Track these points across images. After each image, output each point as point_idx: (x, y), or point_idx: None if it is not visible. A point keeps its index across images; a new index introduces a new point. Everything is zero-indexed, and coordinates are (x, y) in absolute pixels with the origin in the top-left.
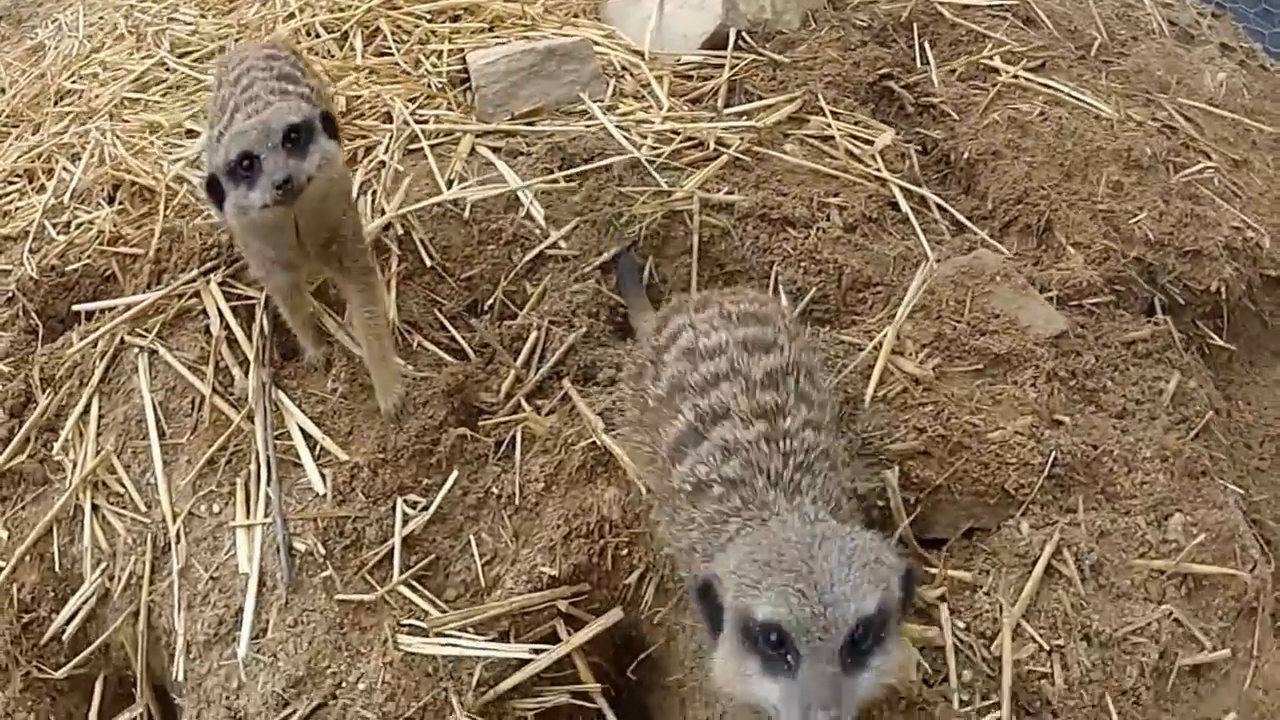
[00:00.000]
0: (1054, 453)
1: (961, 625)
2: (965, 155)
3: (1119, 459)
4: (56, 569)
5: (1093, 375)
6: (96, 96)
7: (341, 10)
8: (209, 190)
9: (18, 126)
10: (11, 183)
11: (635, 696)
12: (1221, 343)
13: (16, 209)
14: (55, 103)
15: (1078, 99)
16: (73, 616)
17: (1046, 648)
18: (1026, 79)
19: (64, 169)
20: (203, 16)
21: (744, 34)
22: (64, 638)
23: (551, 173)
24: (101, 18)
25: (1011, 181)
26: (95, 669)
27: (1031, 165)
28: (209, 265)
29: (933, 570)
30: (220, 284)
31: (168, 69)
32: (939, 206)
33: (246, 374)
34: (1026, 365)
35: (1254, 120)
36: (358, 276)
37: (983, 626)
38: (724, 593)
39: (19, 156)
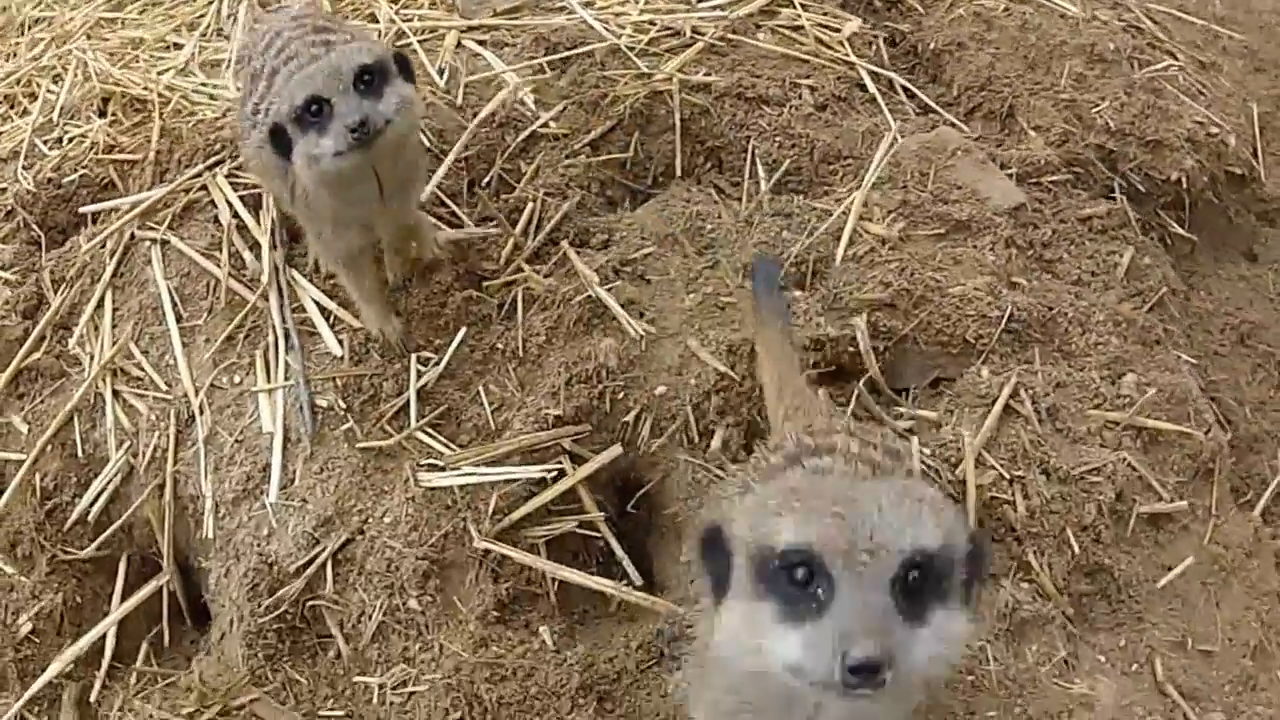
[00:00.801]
0: (1010, 308)
1: (927, 452)
2: (931, 46)
3: (1074, 320)
4: (79, 455)
5: (1049, 246)
6: (70, 20)
7: None
8: (273, 141)
9: None
10: None
11: (635, 533)
12: (1183, 232)
13: (1, 132)
14: (23, 31)
15: None
16: (97, 497)
17: (1007, 477)
18: None
19: (48, 90)
20: None
21: None
22: (89, 519)
23: (536, 60)
24: None
25: (975, 70)
26: (119, 549)
27: (995, 56)
28: (213, 160)
29: (902, 411)
30: (227, 176)
31: None
32: (904, 89)
33: (258, 257)
34: (985, 232)
35: (1224, 27)
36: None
37: (947, 454)
38: (735, 539)
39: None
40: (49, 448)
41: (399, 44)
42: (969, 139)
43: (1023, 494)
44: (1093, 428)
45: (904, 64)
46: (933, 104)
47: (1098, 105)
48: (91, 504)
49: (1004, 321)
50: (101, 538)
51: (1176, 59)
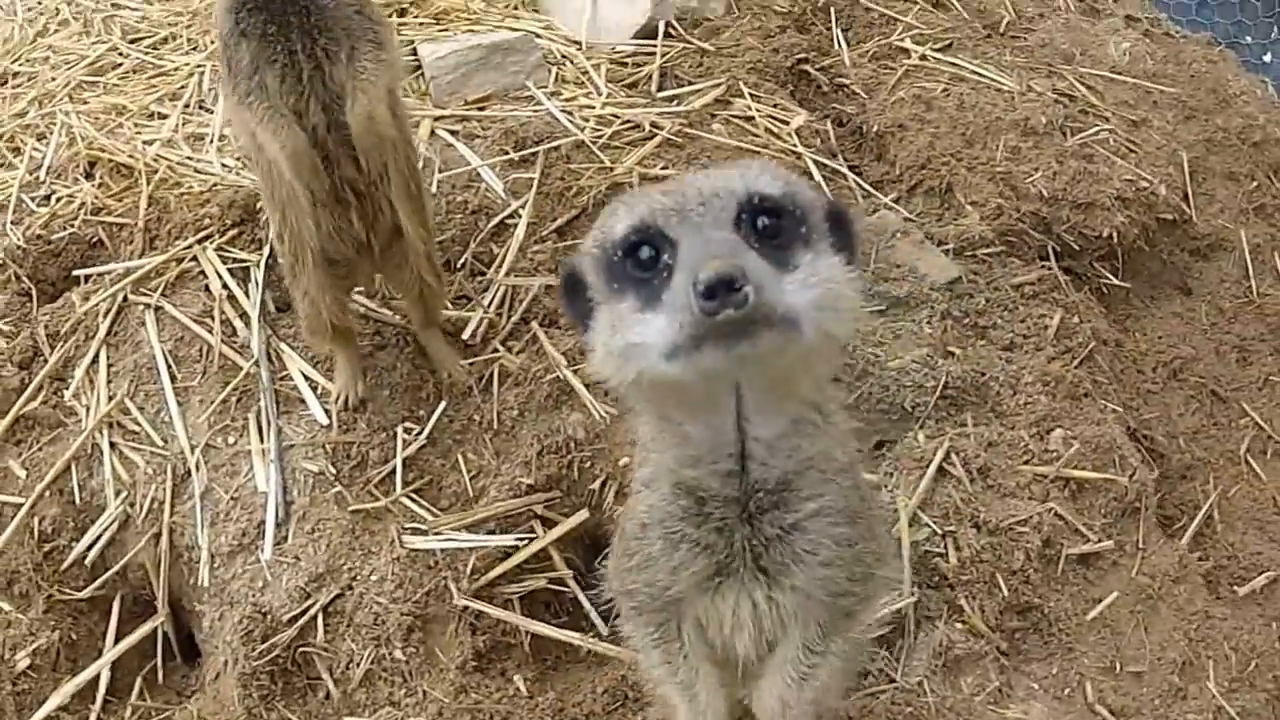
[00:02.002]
0: (944, 376)
1: None
2: (874, 129)
3: (1005, 383)
4: (76, 501)
5: (983, 314)
6: (52, 79)
7: None
8: None
9: None
10: None
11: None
12: (1118, 282)
13: None
14: (1, 84)
15: (980, 75)
16: (94, 542)
17: (940, 532)
18: (934, 58)
19: (33, 149)
20: (148, 3)
21: (672, 22)
22: (86, 562)
23: (507, 153)
24: (40, 2)
25: (916, 150)
26: (113, 589)
27: (935, 136)
28: (203, 234)
29: None
30: (216, 250)
31: (121, 54)
32: (849, 174)
33: (248, 326)
34: (923, 306)
35: (1155, 83)
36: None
37: (885, 515)
38: (585, 260)
39: None
40: (47, 493)
41: None
42: (908, 220)
43: (954, 546)
44: (1022, 482)
45: (851, 144)
46: (872, 190)
47: (1031, 175)
48: (89, 548)
49: (939, 389)
50: (99, 581)
51: (1108, 122)
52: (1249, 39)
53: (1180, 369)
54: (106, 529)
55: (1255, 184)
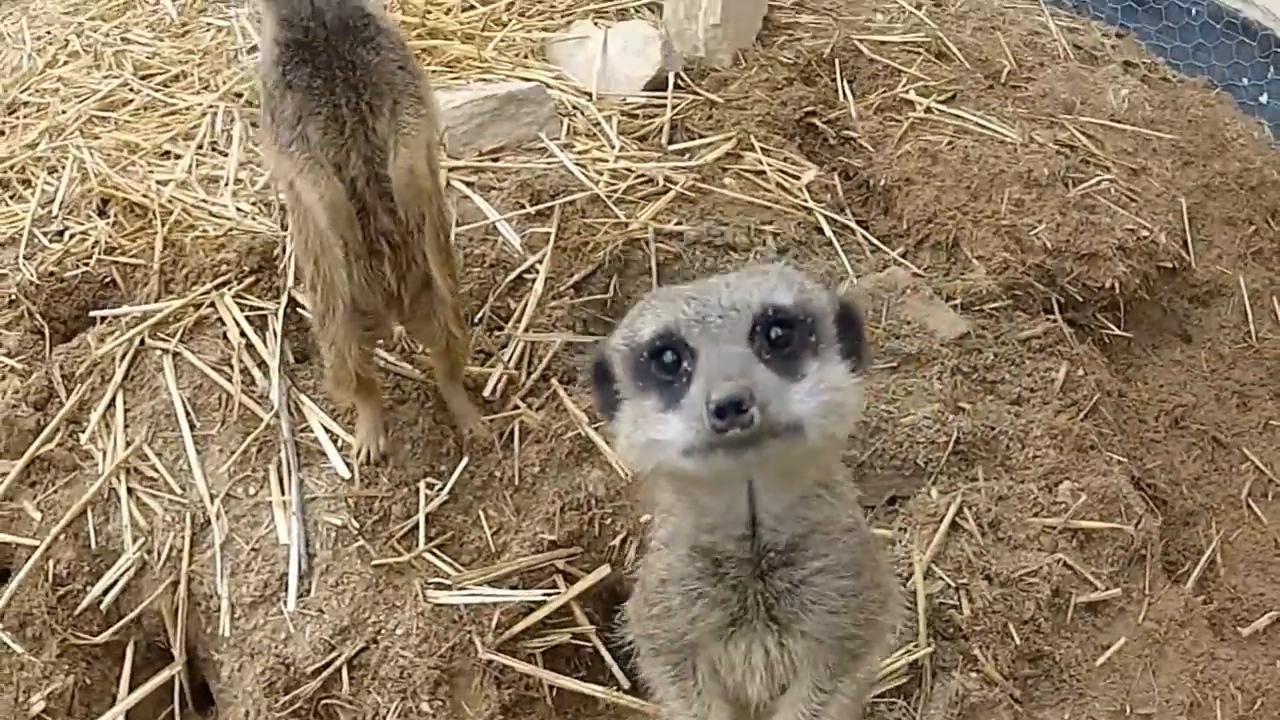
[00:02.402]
0: (955, 432)
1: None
2: (881, 183)
3: (1014, 437)
4: (91, 546)
5: (992, 369)
6: (62, 112)
7: None
8: None
9: None
10: None
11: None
12: (1120, 332)
13: None
14: (10, 112)
15: (984, 127)
16: (110, 588)
17: (953, 585)
18: (938, 111)
19: (45, 182)
20: (158, 39)
21: (681, 74)
22: (101, 607)
23: (523, 206)
24: (49, 32)
25: (922, 205)
26: (127, 636)
27: (940, 189)
28: (220, 280)
29: None
30: (235, 297)
31: (132, 90)
32: (856, 230)
33: (266, 375)
34: (933, 363)
35: (1154, 130)
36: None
37: (900, 569)
38: (613, 355)
39: None
40: (62, 536)
41: None
42: (917, 276)
43: (967, 598)
44: (1031, 534)
45: (858, 197)
46: (880, 245)
47: (1035, 228)
48: (104, 594)
49: (950, 445)
50: (114, 627)
51: (1109, 171)
52: (1245, 80)
53: (1182, 417)
54: (122, 575)
55: (1253, 229)
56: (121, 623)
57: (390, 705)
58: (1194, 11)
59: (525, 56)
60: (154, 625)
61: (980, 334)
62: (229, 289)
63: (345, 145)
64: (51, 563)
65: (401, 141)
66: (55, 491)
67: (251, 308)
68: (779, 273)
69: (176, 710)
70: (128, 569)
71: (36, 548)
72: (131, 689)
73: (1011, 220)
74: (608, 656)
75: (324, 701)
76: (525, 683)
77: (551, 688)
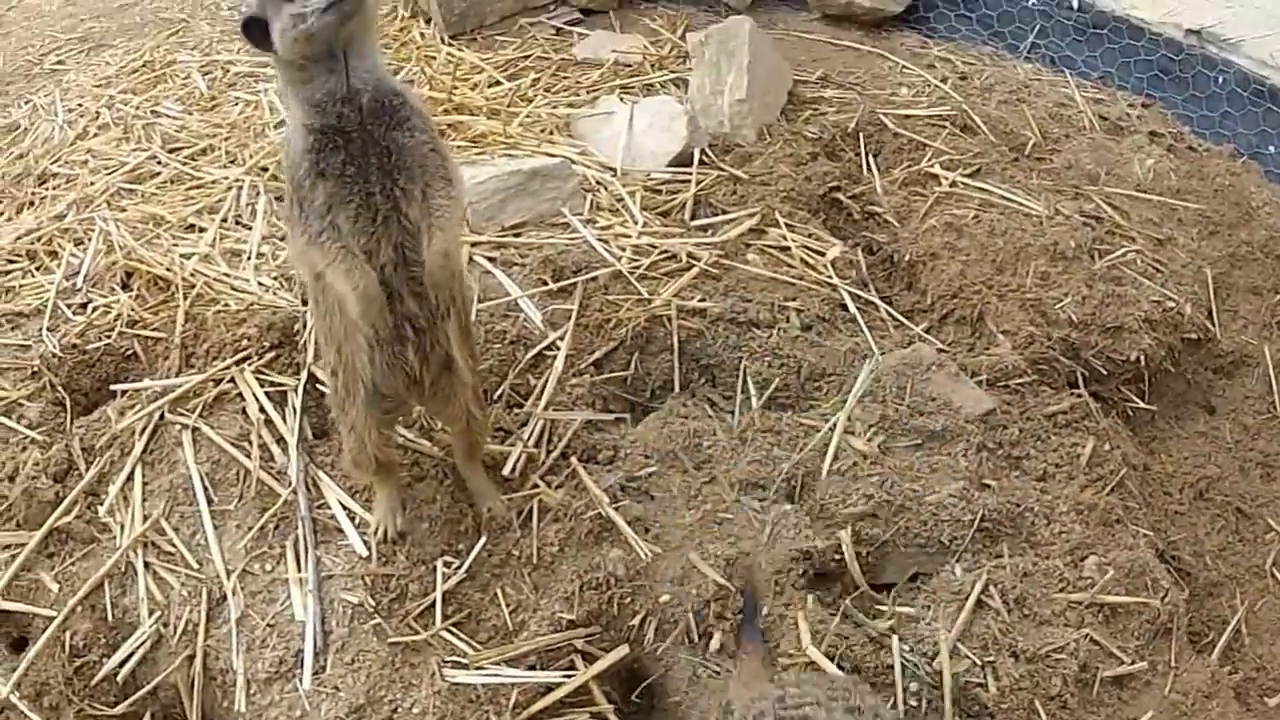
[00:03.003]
0: (981, 510)
1: (907, 648)
2: (906, 258)
3: (1040, 514)
4: (109, 618)
5: (1017, 445)
6: (91, 184)
7: None
8: (246, 31)
9: (0, 203)
10: (13, 261)
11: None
12: (1144, 405)
13: (22, 286)
14: (40, 183)
15: (1010, 199)
16: (126, 659)
17: (979, 663)
18: (963, 184)
19: (70, 254)
20: (187, 113)
21: (706, 149)
22: (117, 679)
23: (545, 283)
24: (80, 104)
25: (947, 279)
26: (143, 708)
27: (966, 264)
28: (241, 355)
29: (884, 609)
30: (254, 373)
31: (160, 163)
32: (880, 305)
33: (285, 452)
34: (959, 439)
35: (1179, 199)
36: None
37: (925, 649)
38: None
39: (17, 238)
40: (79, 608)
41: None
42: (942, 351)
43: (994, 676)
44: (1057, 609)
45: (882, 272)
46: (904, 320)
47: (1061, 301)
48: (120, 665)
49: (976, 522)
50: (130, 699)
51: (1134, 242)
52: (1272, 148)
53: (1206, 488)
54: (139, 647)
55: (1278, 298)
56: (138, 695)
57: None
58: (1220, 80)
59: (550, 132)
60: (170, 698)
61: (1006, 410)
62: (249, 364)
63: (376, 232)
64: (69, 634)
65: (435, 225)
66: (73, 563)
67: (271, 383)
68: None
69: None
70: (144, 642)
71: (54, 618)
72: None
73: (1037, 293)
74: None
75: None
76: None
77: None
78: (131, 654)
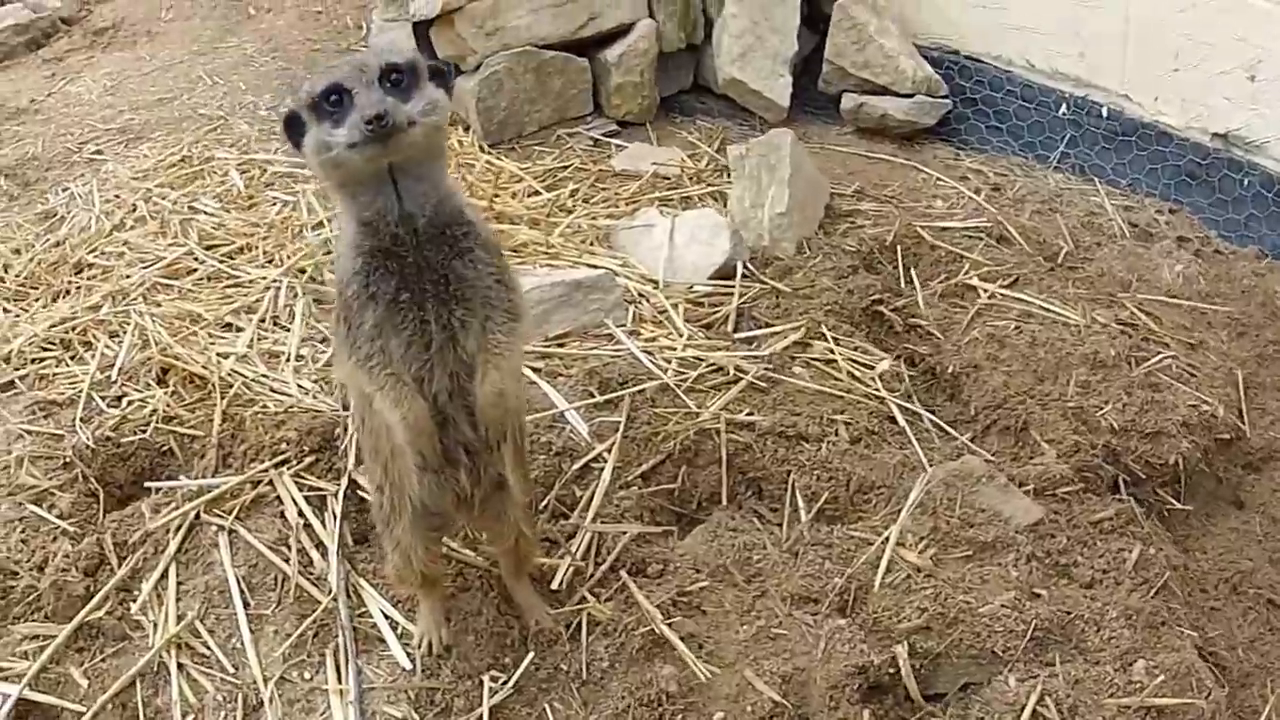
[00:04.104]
0: (1033, 620)
1: None
2: (950, 369)
3: (1089, 620)
4: (140, 718)
5: (1065, 553)
6: (126, 277)
7: None
8: (287, 127)
9: (36, 289)
10: (46, 349)
11: None
12: (1179, 505)
13: (55, 374)
14: (76, 272)
15: (1048, 309)
16: None
17: None
18: (1002, 295)
19: (105, 346)
20: (224, 210)
21: (747, 263)
22: None
23: (591, 394)
24: (118, 195)
25: (991, 390)
26: None
27: (1008, 374)
28: (279, 459)
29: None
30: (293, 476)
31: (197, 260)
32: (925, 418)
33: (324, 556)
34: (1009, 550)
35: (1208, 303)
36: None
37: None
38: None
39: (51, 326)
40: (109, 705)
41: None
42: (989, 463)
43: None
44: (1108, 715)
45: (924, 383)
46: (951, 430)
47: (1102, 409)
48: None
49: (1029, 633)
50: None
51: (1168, 348)
52: None
53: (1240, 583)
54: None
55: None
56: None
57: None
58: (1245, 182)
59: (590, 243)
60: None
61: (1054, 519)
62: (288, 468)
63: (430, 360)
64: None
65: (492, 363)
66: (103, 660)
67: (310, 488)
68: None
69: None
70: None
71: (83, 714)
72: None
73: (1079, 402)
74: None
75: None
76: None
77: None
78: None
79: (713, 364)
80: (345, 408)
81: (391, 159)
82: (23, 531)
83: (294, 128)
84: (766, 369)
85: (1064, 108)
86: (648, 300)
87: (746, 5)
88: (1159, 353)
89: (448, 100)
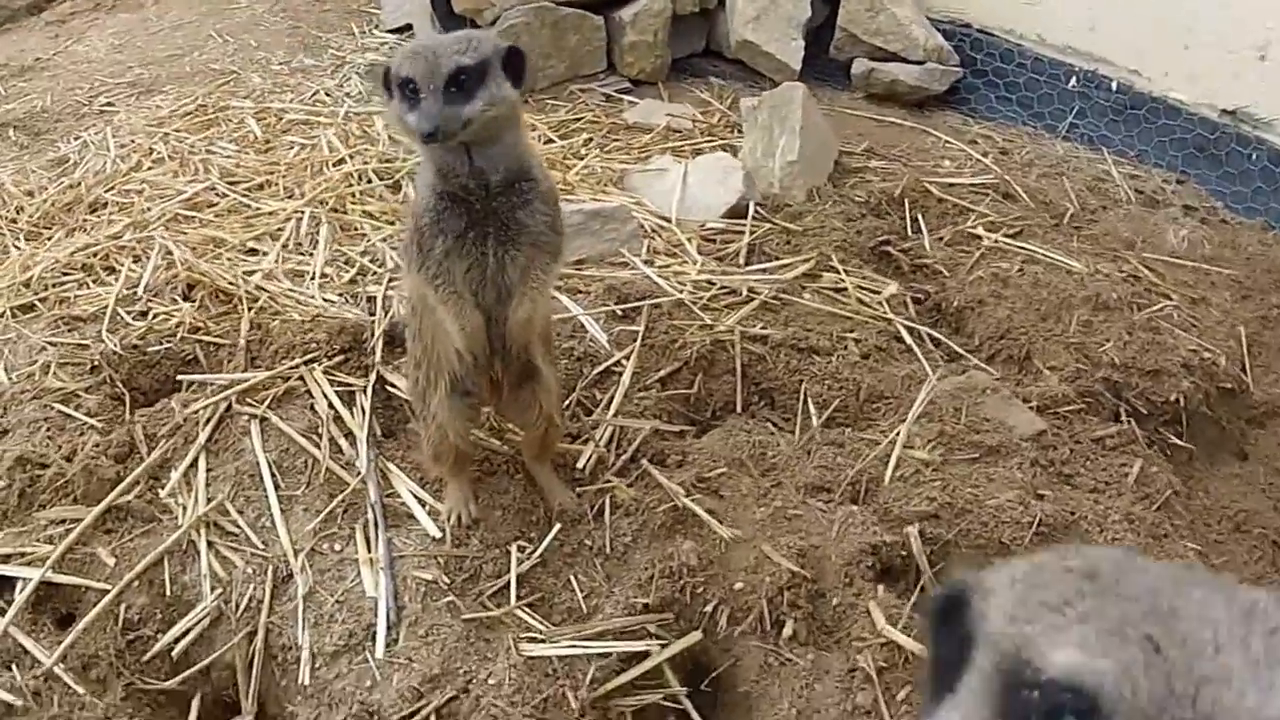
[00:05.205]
0: (1039, 514)
1: None
2: (955, 304)
3: (1093, 521)
4: (166, 594)
5: (1068, 463)
6: (147, 210)
7: (390, 161)
8: (384, 79)
9: (50, 229)
10: (68, 274)
11: (703, 710)
12: (1181, 443)
13: (78, 296)
14: (91, 211)
15: (1051, 258)
16: (183, 635)
17: None
18: (1006, 243)
19: (129, 269)
20: (242, 153)
21: (758, 206)
22: (172, 655)
23: (610, 307)
24: (133, 140)
25: (995, 323)
26: (194, 688)
27: (1012, 310)
28: (309, 357)
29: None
30: (324, 372)
31: (218, 194)
32: (934, 340)
33: (353, 446)
34: (1013, 455)
35: (1213, 265)
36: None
37: None
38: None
39: (74, 251)
40: (136, 582)
41: None
42: (996, 379)
43: None
44: None
45: (929, 319)
46: (961, 349)
47: (1103, 345)
48: (176, 641)
49: (1034, 526)
50: (184, 674)
51: (1171, 299)
52: None
53: (1244, 521)
54: (198, 623)
55: None
56: (191, 670)
57: None
58: (1254, 156)
59: (605, 185)
60: (223, 679)
61: (1056, 432)
62: (318, 364)
63: (486, 283)
64: (123, 607)
65: (528, 294)
66: (131, 540)
67: (340, 384)
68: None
69: None
70: (204, 617)
71: (108, 591)
72: None
73: (1080, 339)
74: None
75: None
76: None
77: None
78: (189, 630)
79: (726, 286)
80: (371, 314)
81: (456, 143)
82: (49, 430)
83: (388, 84)
84: (779, 290)
85: (1074, 80)
86: (661, 235)
87: None
88: (1161, 303)
89: (513, 90)
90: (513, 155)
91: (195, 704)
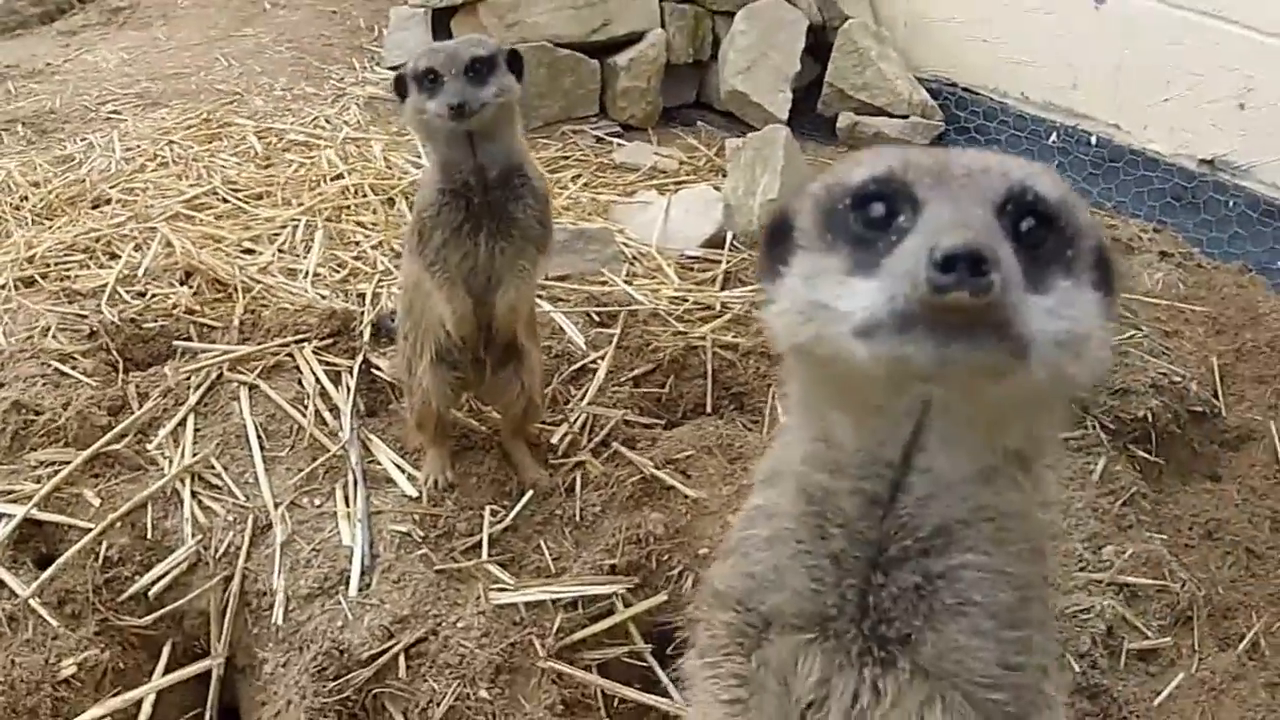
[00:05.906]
0: None
1: None
2: None
3: (1055, 510)
4: (147, 538)
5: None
6: (149, 206)
7: (386, 178)
8: (396, 86)
9: (53, 219)
10: (70, 255)
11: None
12: (1151, 458)
13: (78, 275)
14: (94, 207)
15: None
16: (161, 577)
17: None
18: None
19: (129, 254)
20: (243, 165)
21: (737, 240)
22: (149, 595)
23: (588, 314)
24: (138, 145)
25: None
26: (165, 633)
27: None
28: (300, 336)
29: None
30: (313, 351)
31: (220, 199)
32: None
33: (338, 418)
34: None
35: (1186, 304)
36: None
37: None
38: (801, 200)
39: (77, 235)
40: (118, 524)
41: None
42: None
43: None
44: (1079, 584)
45: None
46: None
47: None
48: (154, 582)
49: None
50: (158, 613)
51: (1141, 330)
52: None
53: (1215, 529)
54: (176, 566)
55: None
56: (165, 609)
57: (447, 690)
58: (1231, 204)
59: (590, 214)
60: (195, 628)
61: None
62: (307, 344)
63: (475, 270)
64: (104, 546)
65: (513, 284)
66: (117, 484)
67: (328, 364)
68: (1044, 165)
69: (210, 709)
70: (182, 561)
71: (90, 530)
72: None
73: None
74: (663, 675)
75: (374, 691)
76: (582, 690)
77: (610, 697)
78: (167, 572)
79: (700, 302)
80: (360, 304)
81: (467, 129)
82: (45, 384)
83: (401, 88)
84: (752, 305)
85: (1054, 136)
86: (642, 261)
87: (755, 23)
88: (1131, 332)
89: (517, 84)
90: (509, 150)
91: (166, 650)
